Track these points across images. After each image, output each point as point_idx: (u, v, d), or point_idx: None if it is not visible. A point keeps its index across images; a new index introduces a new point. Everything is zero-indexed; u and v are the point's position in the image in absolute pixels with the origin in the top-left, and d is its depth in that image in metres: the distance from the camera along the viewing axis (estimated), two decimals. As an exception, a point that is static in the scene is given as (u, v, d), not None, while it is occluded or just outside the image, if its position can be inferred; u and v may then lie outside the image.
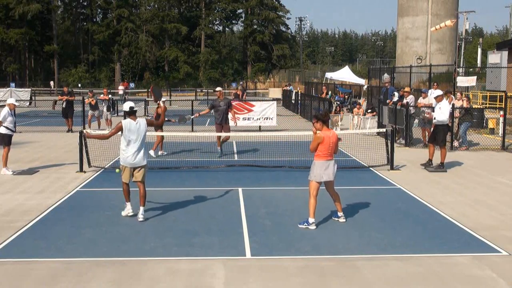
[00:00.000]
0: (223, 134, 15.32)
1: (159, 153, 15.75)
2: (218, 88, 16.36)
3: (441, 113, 13.52)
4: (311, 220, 8.41)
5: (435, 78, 28.55)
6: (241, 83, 44.49)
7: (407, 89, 19.55)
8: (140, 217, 8.84)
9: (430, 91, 18.76)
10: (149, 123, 9.31)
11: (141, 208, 8.89)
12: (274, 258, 7.11)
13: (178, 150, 16.55)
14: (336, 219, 8.85)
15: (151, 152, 15.08)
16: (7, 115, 12.98)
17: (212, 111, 15.62)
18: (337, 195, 8.82)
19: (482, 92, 34.59)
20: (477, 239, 7.97)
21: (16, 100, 14.37)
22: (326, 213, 9.39)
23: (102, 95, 25.21)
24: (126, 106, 9.02)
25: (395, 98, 18.71)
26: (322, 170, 8.40)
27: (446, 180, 12.42)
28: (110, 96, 25.44)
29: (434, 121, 13.84)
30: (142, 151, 8.89)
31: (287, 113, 32.18)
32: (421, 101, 18.49)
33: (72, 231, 8.27)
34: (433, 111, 14.20)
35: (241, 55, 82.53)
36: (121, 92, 27.18)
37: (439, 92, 14.27)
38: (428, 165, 13.68)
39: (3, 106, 13.35)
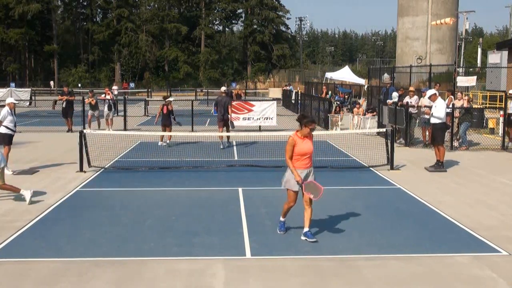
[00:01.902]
0: (225, 134, 16.93)
1: (161, 143, 17.59)
2: (223, 88, 19.12)
3: (437, 111, 13.53)
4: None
5: (435, 78, 28.53)
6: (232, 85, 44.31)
7: (411, 88, 19.47)
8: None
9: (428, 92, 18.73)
10: None
11: None
12: (274, 258, 7.11)
13: (178, 150, 16.55)
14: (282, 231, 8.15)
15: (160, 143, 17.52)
16: (7, 114, 12.98)
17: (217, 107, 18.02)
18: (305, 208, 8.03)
19: (482, 92, 34.58)
20: (477, 239, 7.97)
21: (16, 100, 14.39)
22: (327, 214, 9.39)
23: (103, 95, 25.17)
24: None
25: (395, 99, 18.69)
26: None
27: (446, 180, 12.42)
28: (112, 96, 25.45)
29: (431, 120, 13.85)
30: None
31: (287, 113, 32.18)
32: (422, 101, 18.44)
33: (72, 231, 8.27)
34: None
35: (241, 55, 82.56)
36: (115, 92, 26.61)
37: (432, 91, 14.28)
38: (437, 166, 13.54)
39: (3, 106, 13.35)
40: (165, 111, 17.50)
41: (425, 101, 17.69)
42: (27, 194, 9.91)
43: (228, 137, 17.75)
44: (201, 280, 6.35)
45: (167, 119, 17.53)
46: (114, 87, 27.87)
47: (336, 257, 7.09)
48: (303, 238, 7.78)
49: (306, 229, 7.78)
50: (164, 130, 17.46)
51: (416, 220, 9.01)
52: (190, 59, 74.30)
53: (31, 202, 9.83)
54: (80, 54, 74.15)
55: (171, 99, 18.17)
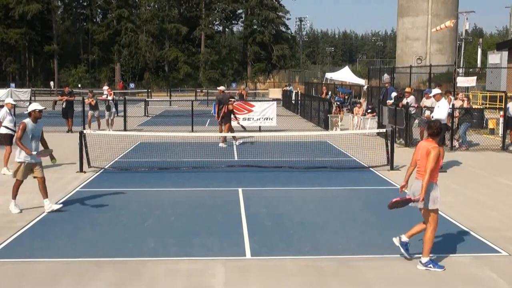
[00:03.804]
0: (225, 134, 17.51)
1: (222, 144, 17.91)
2: (222, 87, 20.58)
3: (439, 112, 13.52)
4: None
5: (435, 78, 28.52)
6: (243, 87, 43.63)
7: (408, 89, 19.52)
8: (49, 207, 9.33)
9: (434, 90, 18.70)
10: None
11: (47, 200, 9.37)
12: (274, 258, 7.11)
13: (178, 150, 16.53)
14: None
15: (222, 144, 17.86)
16: (6, 114, 13.00)
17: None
18: (426, 230, 6.88)
19: (482, 92, 34.59)
20: (477, 239, 7.97)
21: (15, 100, 14.41)
22: (327, 214, 9.39)
23: (104, 95, 25.12)
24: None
25: (392, 100, 18.71)
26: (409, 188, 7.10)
27: (446, 180, 12.41)
28: (114, 96, 25.42)
29: (432, 120, 13.83)
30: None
31: (287, 113, 32.17)
32: (424, 102, 18.42)
33: (72, 231, 8.27)
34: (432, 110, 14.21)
35: (241, 55, 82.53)
36: (105, 93, 25.82)
37: (437, 90, 14.28)
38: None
39: (2, 106, 13.37)
40: (225, 110, 18.12)
41: (427, 102, 17.71)
42: (13, 209, 9.39)
43: (232, 135, 18.10)
44: (201, 280, 6.35)
45: (227, 118, 18.19)
46: (105, 87, 26.87)
47: (336, 257, 7.09)
48: (422, 268, 6.71)
49: (426, 259, 6.75)
50: (222, 129, 18.30)
51: (416, 220, 8.98)
52: (190, 59, 74.25)
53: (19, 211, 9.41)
54: (80, 54, 74.11)
55: (236, 97, 19.96)
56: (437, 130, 6.85)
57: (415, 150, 7.01)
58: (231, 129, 18.20)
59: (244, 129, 19.46)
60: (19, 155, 9.29)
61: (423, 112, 17.22)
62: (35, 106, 9.47)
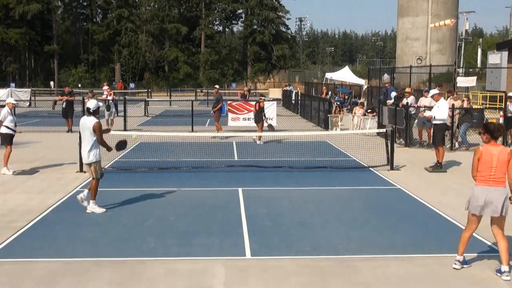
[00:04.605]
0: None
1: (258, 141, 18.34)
2: (217, 87, 22.11)
3: (439, 112, 13.51)
4: (457, 257, 6.73)
5: (435, 78, 28.52)
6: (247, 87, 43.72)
7: (408, 89, 19.51)
8: (92, 208, 9.37)
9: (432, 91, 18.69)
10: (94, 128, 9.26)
11: (93, 202, 9.44)
12: (274, 258, 7.11)
13: (178, 150, 16.53)
14: (498, 274, 6.46)
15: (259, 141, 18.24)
16: (7, 114, 13.00)
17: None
18: (502, 238, 6.55)
19: (482, 92, 34.58)
20: (477, 239, 7.95)
21: (16, 100, 14.40)
22: (327, 214, 9.39)
23: (104, 95, 25.10)
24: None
25: (392, 100, 18.72)
26: (480, 199, 6.51)
27: (446, 180, 12.42)
28: (114, 96, 25.38)
29: (432, 120, 13.85)
30: None
31: (287, 113, 32.17)
32: (422, 101, 18.43)
33: (72, 231, 8.27)
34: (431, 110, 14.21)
35: (241, 55, 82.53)
36: (105, 93, 25.41)
37: (435, 91, 14.27)
38: (436, 166, 13.52)
39: (3, 106, 13.37)
40: (257, 108, 18.62)
41: (425, 101, 17.69)
42: (95, 209, 9.38)
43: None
44: (201, 280, 6.36)
45: (259, 116, 18.61)
46: (105, 88, 26.54)
47: (336, 257, 7.09)
48: (507, 278, 6.32)
49: (505, 267, 6.39)
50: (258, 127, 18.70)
51: (416, 220, 9.01)
52: (190, 59, 74.26)
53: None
54: (80, 54, 74.11)
55: (264, 98, 20.43)
56: (502, 132, 6.73)
57: (485, 156, 6.53)
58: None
59: (272, 129, 19.82)
60: (94, 155, 9.34)
61: (422, 110, 17.21)
62: (97, 103, 9.55)
